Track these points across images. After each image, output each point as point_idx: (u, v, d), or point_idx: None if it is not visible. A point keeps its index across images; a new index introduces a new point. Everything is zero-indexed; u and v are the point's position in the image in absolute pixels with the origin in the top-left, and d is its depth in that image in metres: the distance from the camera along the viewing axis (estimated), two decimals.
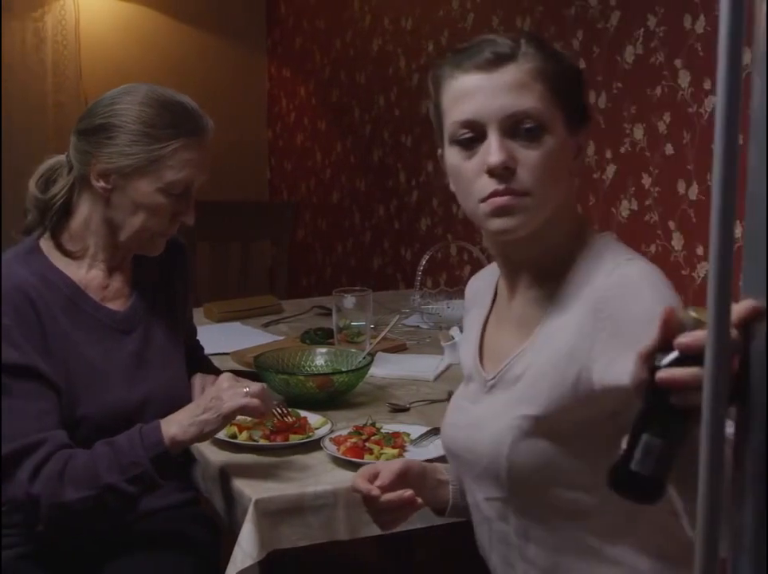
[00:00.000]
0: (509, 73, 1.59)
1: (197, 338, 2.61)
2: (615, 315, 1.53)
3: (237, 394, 2.09)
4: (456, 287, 3.40)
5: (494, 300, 1.81)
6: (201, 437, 2.12)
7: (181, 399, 2.21)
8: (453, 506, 1.87)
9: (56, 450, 2.10)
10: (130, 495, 2.09)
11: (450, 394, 2.46)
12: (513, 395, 1.65)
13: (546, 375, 1.60)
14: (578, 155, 1.67)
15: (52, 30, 4.85)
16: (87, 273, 2.27)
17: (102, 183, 2.20)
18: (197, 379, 2.38)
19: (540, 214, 1.60)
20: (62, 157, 2.28)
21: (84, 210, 2.26)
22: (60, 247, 2.26)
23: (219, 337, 3.05)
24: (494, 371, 1.71)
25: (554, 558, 1.67)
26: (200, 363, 2.50)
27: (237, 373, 2.67)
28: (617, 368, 1.44)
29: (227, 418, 2.11)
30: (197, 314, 3.24)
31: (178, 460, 2.15)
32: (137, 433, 2.10)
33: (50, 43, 4.86)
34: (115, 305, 2.30)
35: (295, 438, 2.27)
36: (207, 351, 2.63)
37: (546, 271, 1.67)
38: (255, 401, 2.09)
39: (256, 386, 2.12)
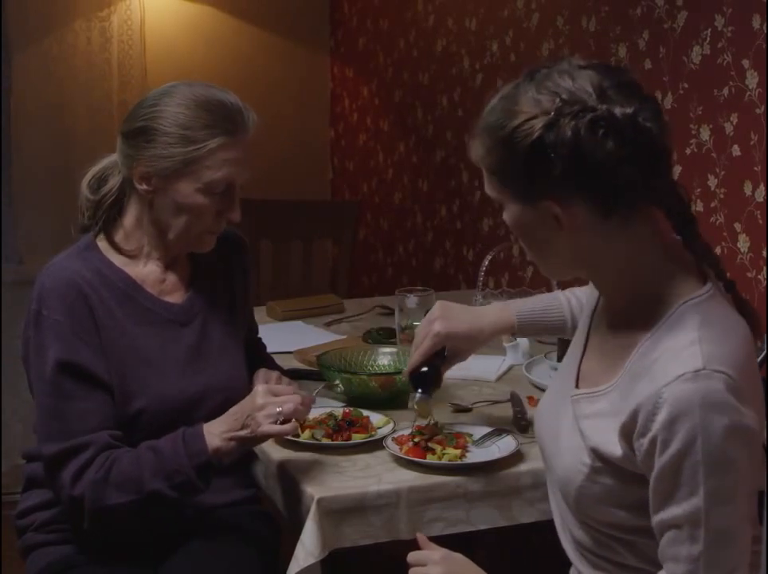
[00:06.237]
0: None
1: (259, 336, 2.62)
2: (658, 442, 1.57)
3: (270, 415, 2.11)
4: (518, 288, 3.38)
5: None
6: (242, 449, 2.17)
7: (239, 391, 2.22)
8: None
9: (100, 453, 2.12)
10: (173, 500, 2.12)
11: (513, 394, 2.46)
12: (585, 433, 1.72)
13: (609, 435, 1.67)
14: (560, 222, 1.67)
15: (117, 30, 4.88)
16: (143, 268, 2.29)
17: (144, 186, 2.21)
18: (261, 374, 2.39)
19: (544, 269, 1.80)
20: (114, 157, 2.30)
21: (135, 210, 2.28)
22: (115, 246, 2.28)
23: (282, 336, 3.06)
24: (578, 390, 1.78)
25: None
26: (263, 361, 2.51)
27: (300, 372, 2.70)
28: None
29: (262, 439, 2.16)
30: (260, 312, 3.26)
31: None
32: (180, 439, 2.12)
33: (116, 43, 4.90)
34: (173, 298, 2.32)
35: (357, 438, 2.28)
36: (270, 349, 2.64)
37: (625, 319, 1.73)
38: (286, 429, 2.12)
39: (288, 404, 2.12)
